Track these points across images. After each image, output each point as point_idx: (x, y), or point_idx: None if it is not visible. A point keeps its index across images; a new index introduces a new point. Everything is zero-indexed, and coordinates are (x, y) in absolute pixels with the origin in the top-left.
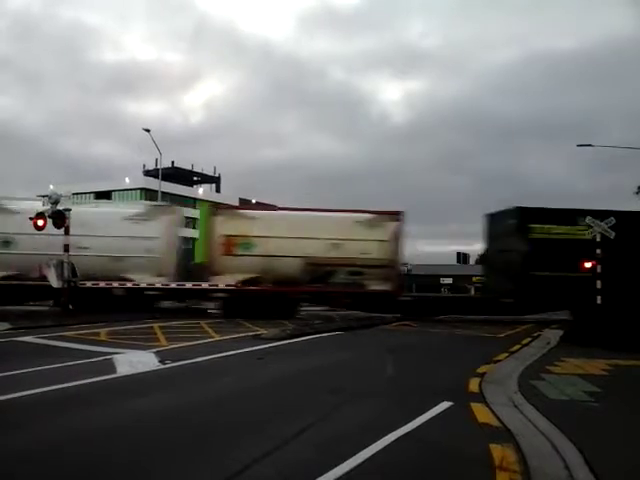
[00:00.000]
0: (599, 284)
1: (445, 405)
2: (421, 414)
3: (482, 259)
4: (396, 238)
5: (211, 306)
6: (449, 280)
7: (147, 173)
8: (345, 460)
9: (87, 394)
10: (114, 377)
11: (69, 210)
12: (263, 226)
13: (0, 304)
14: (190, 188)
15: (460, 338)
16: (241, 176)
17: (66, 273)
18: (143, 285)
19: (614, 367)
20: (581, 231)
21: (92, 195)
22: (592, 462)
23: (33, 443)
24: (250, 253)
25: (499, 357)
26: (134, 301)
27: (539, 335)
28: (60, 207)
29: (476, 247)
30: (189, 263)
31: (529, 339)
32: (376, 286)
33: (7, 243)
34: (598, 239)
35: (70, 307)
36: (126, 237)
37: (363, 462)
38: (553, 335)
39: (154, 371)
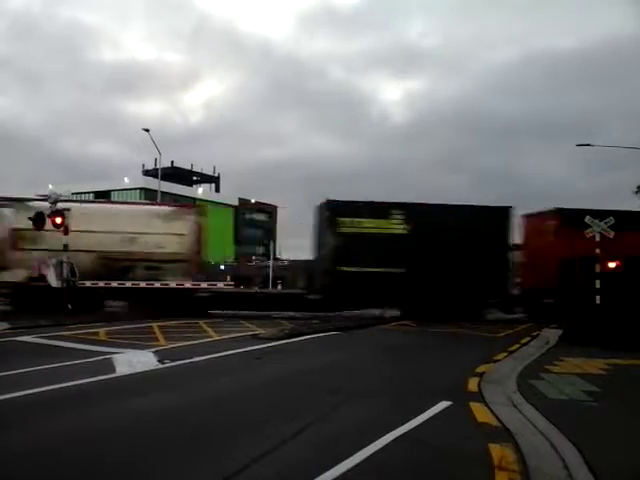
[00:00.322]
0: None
1: (444, 405)
2: (420, 414)
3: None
4: (197, 232)
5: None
6: None
7: (146, 173)
8: (343, 460)
9: (86, 394)
10: (113, 377)
11: (68, 210)
12: None
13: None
14: (190, 188)
15: (458, 338)
16: (241, 176)
17: (65, 273)
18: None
19: (613, 366)
20: (393, 225)
21: (91, 195)
22: (591, 462)
23: (31, 443)
24: (39, 247)
25: (498, 356)
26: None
27: (538, 334)
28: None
29: None
30: None
31: (528, 338)
32: (174, 281)
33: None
34: (597, 239)
35: (69, 307)
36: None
37: (361, 462)
38: (552, 335)
39: (153, 371)
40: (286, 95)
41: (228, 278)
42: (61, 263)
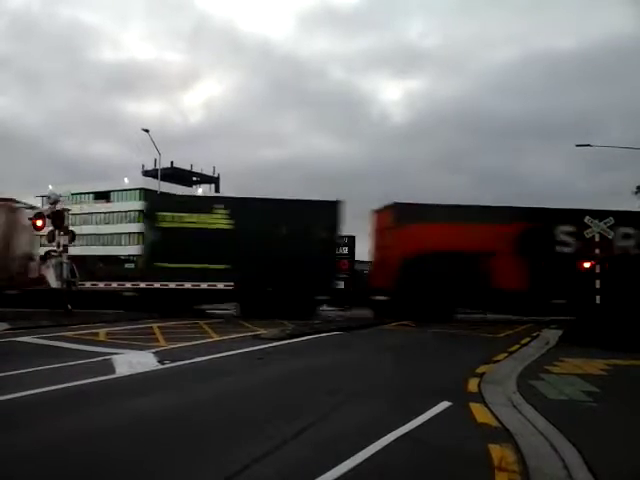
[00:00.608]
0: (598, 283)
1: (444, 405)
2: (420, 414)
3: None
4: (10, 228)
5: None
6: None
7: (146, 173)
8: (344, 460)
9: (86, 394)
10: (113, 377)
11: (68, 210)
12: None
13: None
14: (189, 188)
15: (459, 338)
16: (241, 176)
17: (65, 273)
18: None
19: (613, 367)
20: (216, 220)
21: (91, 195)
22: (591, 462)
23: (33, 443)
24: None
25: (498, 357)
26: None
27: (538, 335)
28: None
29: None
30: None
31: (528, 339)
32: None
33: None
34: (597, 239)
35: (69, 307)
36: None
37: (362, 462)
38: (552, 335)
39: (153, 371)
40: (286, 95)
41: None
42: (61, 264)
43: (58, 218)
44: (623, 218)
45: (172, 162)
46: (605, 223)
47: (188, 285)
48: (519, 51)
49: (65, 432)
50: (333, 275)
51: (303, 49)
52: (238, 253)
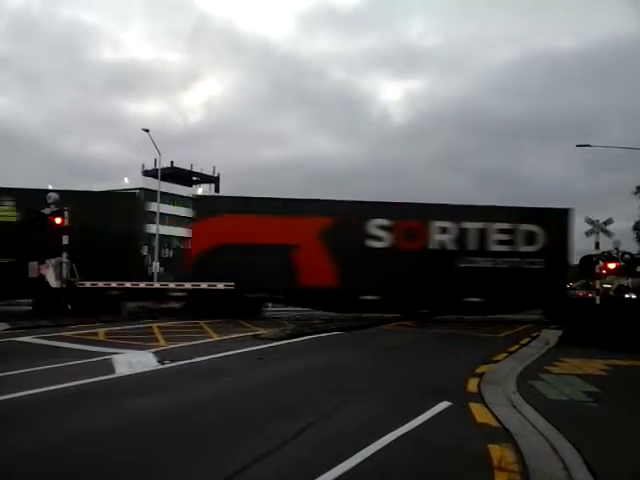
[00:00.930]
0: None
1: (444, 405)
2: (420, 414)
3: None
4: None
5: None
6: None
7: (146, 173)
8: (344, 460)
9: (86, 394)
10: (113, 377)
11: (67, 210)
12: None
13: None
14: (189, 188)
15: (459, 338)
16: (241, 176)
17: (65, 273)
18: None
19: (612, 367)
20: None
21: None
22: (591, 462)
23: (33, 443)
24: None
25: (498, 357)
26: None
27: (538, 335)
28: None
29: None
30: None
31: (528, 339)
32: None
33: None
34: (597, 239)
35: (69, 307)
36: None
37: (362, 462)
38: (552, 335)
39: (153, 371)
40: (286, 95)
41: None
42: (61, 263)
43: (58, 218)
44: (439, 212)
45: (172, 162)
46: (605, 223)
47: None
48: (519, 51)
49: (65, 432)
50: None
51: (303, 49)
52: (23, 247)
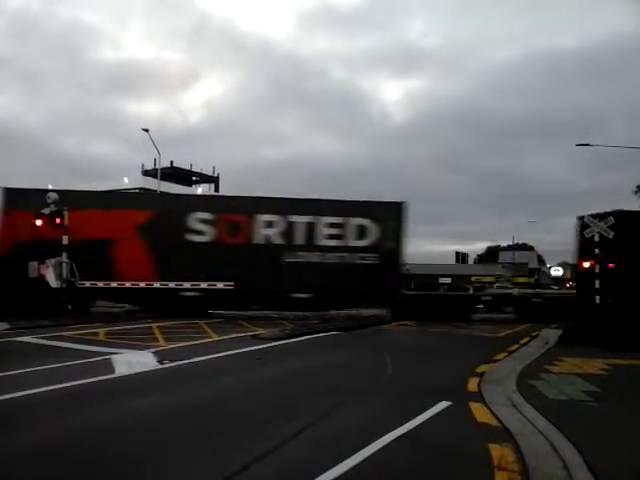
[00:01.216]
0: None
1: (444, 405)
2: (420, 414)
3: None
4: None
5: None
6: None
7: (146, 173)
8: (343, 460)
9: (86, 394)
10: (112, 377)
11: (67, 210)
12: None
13: None
14: (189, 188)
15: (459, 338)
16: (241, 175)
17: (65, 273)
18: (142, 285)
19: (612, 367)
20: None
21: None
22: (591, 462)
23: (33, 443)
24: None
25: (498, 357)
26: None
27: (538, 335)
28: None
29: (476, 246)
30: None
31: (528, 339)
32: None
33: None
34: (597, 239)
35: (69, 307)
36: None
37: (361, 462)
38: (552, 335)
39: (152, 371)
40: (286, 95)
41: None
42: (60, 263)
43: (58, 218)
44: (265, 205)
45: (172, 162)
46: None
47: None
48: (520, 50)
49: (64, 432)
50: None
51: (303, 48)
52: None
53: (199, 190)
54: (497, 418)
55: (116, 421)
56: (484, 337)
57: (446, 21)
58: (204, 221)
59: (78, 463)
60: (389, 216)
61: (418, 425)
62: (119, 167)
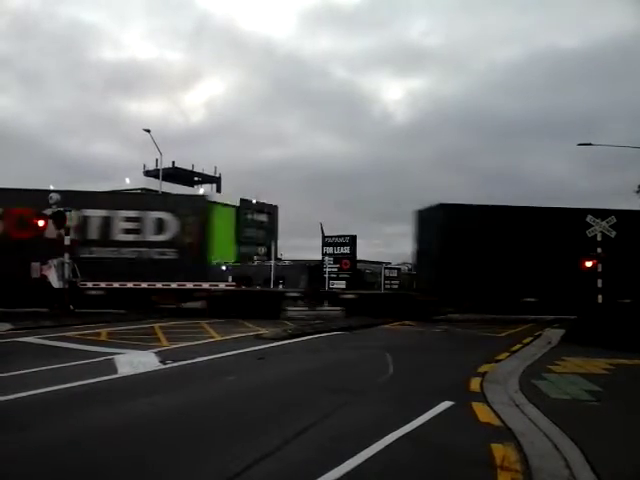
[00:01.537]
0: (600, 283)
1: (446, 404)
2: (422, 413)
3: None
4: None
5: None
6: None
7: (147, 173)
8: (346, 460)
9: (88, 395)
10: (115, 377)
11: (69, 210)
12: None
13: None
14: (191, 188)
15: (461, 337)
16: (242, 175)
17: (67, 273)
18: (144, 286)
19: (615, 366)
20: None
21: None
22: (593, 461)
23: (36, 443)
24: None
25: (500, 356)
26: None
27: (540, 334)
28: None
29: None
30: None
31: (530, 338)
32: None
33: None
34: (599, 238)
35: (71, 307)
36: None
37: (364, 462)
38: (554, 334)
39: (155, 371)
40: (288, 94)
41: (230, 278)
42: (63, 264)
43: (60, 218)
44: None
45: (173, 162)
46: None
47: None
48: (522, 50)
49: (67, 431)
50: None
51: (305, 48)
52: None
53: (200, 191)
54: (499, 418)
55: (119, 421)
56: (486, 336)
57: (448, 21)
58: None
59: (81, 462)
60: (192, 211)
61: (421, 425)
62: (121, 167)
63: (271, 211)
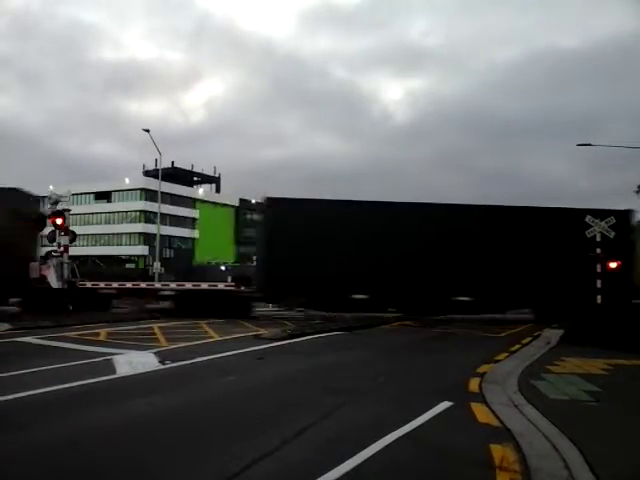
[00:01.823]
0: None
1: (445, 405)
2: (421, 414)
3: None
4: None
5: None
6: None
7: (147, 173)
8: (345, 460)
9: (87, 395)
10: (114, 378)
11: (68, 210)
12: None
13: None
14: (190, 188)
15: (460, 338)
16: (242, 175)
17: (66, 273)
18: (143, 286)
19: (614, 366)
20: None
21: (92, 195)
22: (592, 461)
23: (35, 443)
24: None
25: (499, 357)
26: None
27: (539, 335)
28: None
29: None
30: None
31: (529, 339)
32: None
33: None
34: (598, 238)
35: (70, 307)
36: None
37: (363, 462)
38: (553, 335)
39: (154, 371)
40: (287, 94)
41: (229, 279)
42: (62, 264)
43: (59, 218)
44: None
45: (173, 162)
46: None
47: None
48: (522, 50)
49: (66, 431)
50: None
51: (305, 48)
52: None
53: (200, 191)
54: (498, 418)
55: (118, 421)
56: (485, 337)
57: (448, 21)
58: None
59: (79, 463)
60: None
61: (420, 425)
62: (120, 167)
63: None
